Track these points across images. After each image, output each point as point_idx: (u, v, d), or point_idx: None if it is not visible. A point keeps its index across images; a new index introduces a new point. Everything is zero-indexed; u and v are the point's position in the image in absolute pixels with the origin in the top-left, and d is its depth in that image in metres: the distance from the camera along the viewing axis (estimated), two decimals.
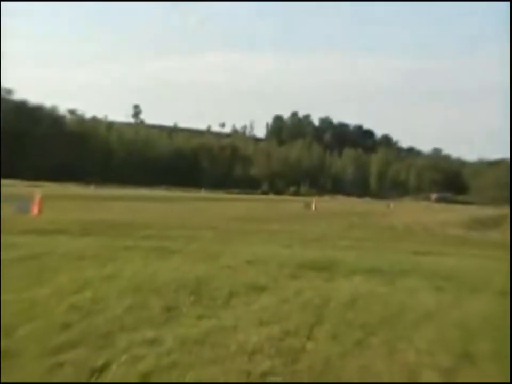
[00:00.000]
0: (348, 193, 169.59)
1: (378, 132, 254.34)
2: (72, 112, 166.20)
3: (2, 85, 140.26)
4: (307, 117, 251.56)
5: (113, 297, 8.04)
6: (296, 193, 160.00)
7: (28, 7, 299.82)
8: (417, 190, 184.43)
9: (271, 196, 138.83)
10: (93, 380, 5.18)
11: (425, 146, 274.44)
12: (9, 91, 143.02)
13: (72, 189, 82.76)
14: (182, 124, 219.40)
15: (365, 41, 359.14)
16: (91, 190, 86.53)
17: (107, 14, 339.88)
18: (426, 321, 7.85)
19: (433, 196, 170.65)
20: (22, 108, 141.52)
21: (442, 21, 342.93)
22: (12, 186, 68.67)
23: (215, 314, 7.53)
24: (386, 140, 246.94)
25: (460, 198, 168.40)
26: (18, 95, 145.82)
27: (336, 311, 8.09)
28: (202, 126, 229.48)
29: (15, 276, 9.34)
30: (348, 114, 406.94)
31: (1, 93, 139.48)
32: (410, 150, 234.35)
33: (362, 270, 11.85)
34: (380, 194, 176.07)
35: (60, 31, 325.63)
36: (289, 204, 72.59)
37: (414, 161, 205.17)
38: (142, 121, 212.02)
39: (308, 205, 58.03)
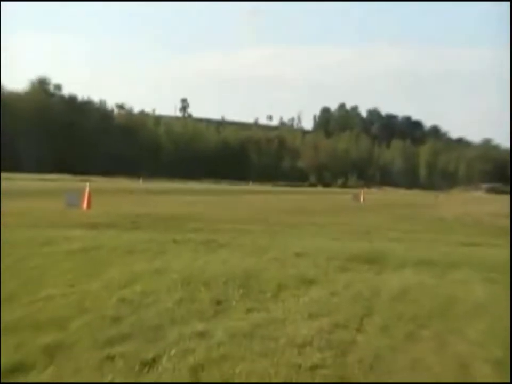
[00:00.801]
0: (396, 185, 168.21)
1: (427, 123, 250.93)
2: (120, 106, 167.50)
3: (53, 80, 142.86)
4: (355, 108, 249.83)
5: (163, 291, 8.10)
6: (344, 185, 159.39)
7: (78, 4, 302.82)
8: (467, 181, 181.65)
9: (319, 188, 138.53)
10: (144, 373, 5.22)
11: (474, 137, 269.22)
12: (58, 86, 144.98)
13: (121, 183, 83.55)
14: (230, 117, 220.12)
15: (410, 31, 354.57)
16: (139, 183, 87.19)
17: (154, 8, 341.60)
18: (477, 313, 7.75)
19: (483, 186, 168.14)
20: (71, 103, 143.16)
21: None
22: (62, 180, 69.77)
23: (264, 307, 7.53)
24: (435, 130, 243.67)
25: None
26: (66, 90, 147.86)
27: (386, 303, 8.04)
28: (249, 119, 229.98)
29: (66, 270, 9.48)
30: (396, 106, 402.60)
31: (48, 88, 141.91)
32: (460, 141, 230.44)
33: (412, 262, 11.74)
34: (428, 185, 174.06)
35: (108, 27, 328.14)
36: (337, 196, 72.26)
37: (463, 152, 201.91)
38: (189, 115, 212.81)
39: (356, 197, 57.68)
